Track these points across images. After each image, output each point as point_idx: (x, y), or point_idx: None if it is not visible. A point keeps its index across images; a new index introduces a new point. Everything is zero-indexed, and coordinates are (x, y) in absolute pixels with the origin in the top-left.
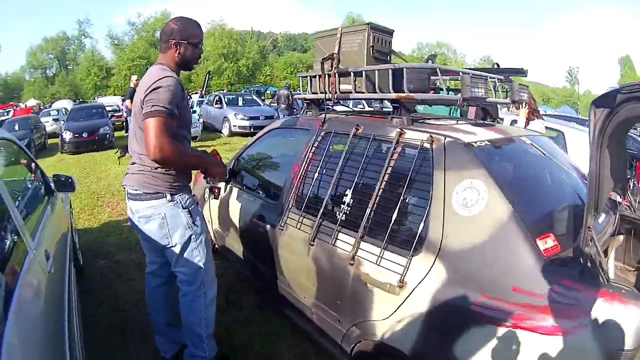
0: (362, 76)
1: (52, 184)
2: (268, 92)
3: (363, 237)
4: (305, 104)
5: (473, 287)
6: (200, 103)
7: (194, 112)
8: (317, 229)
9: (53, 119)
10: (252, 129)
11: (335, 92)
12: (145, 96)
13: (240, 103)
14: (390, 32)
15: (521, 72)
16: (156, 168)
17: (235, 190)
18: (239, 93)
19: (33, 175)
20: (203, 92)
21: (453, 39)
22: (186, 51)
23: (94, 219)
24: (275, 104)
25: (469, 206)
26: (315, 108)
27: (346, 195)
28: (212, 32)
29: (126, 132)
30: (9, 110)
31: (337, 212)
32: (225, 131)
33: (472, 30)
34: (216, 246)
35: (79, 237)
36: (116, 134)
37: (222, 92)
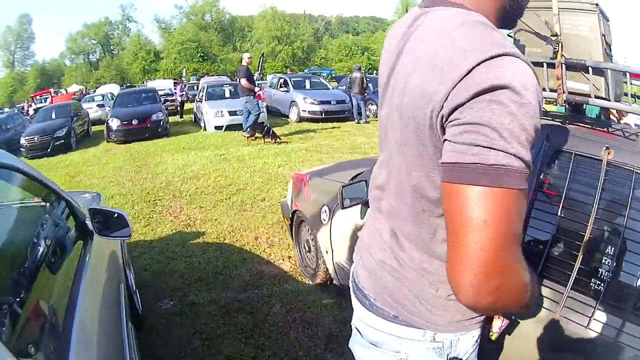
0: (603, 75)
1: (89, 223)
2: (323, 74)
3: None
4: None
5: None
6: (260, 86)
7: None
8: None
9: (97, 105)
10: (323, 115)
11: (563, 92)
12: (447, 104)
13: (308, 86)
14: (608, 19)
15: None
16: (449, 296)
17: None
18: (305, 75)
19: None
20: (259, 74)
21: None
22: None
23: (152, 232)
24: (343, 88)
25: None
26: None
27: (610, 254)
28: (263, 15)
29: (181, 117)
30: (47, 97)
31: (595, 281)
32: (293, 116)
33: None
34: (339, 285)
35: (132, 263)
36: (171, 119)
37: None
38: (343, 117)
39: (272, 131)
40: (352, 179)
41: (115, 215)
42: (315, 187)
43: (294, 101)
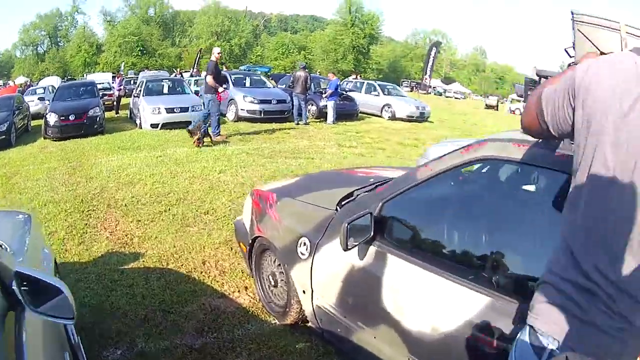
0: None
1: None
2: (258, 72)
3: None
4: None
5: None
6: (197, 82)
7: (197, 92)
8: None
9: (38, 98)
10: (262, 115)
11: None
12: None
13: (248, 84)
14: None
15: None
16: None
17: (392, 259)
18: (246, 72)
19: None
20: (194, 70)
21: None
22: None
23: (87, 251)
24: (283, 87)
25: None
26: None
27: None
28: (206, 10)
29: (117, 112)
30: None
31: None
32: (230, 116)
33: (465, 18)
34: (317, 328)
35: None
36: (107, 114)
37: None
38: (283, 117)
39: (207, 133)
40: (340, 204)
41: (54, 288)
42: (287, 211)
43: (232, 99)
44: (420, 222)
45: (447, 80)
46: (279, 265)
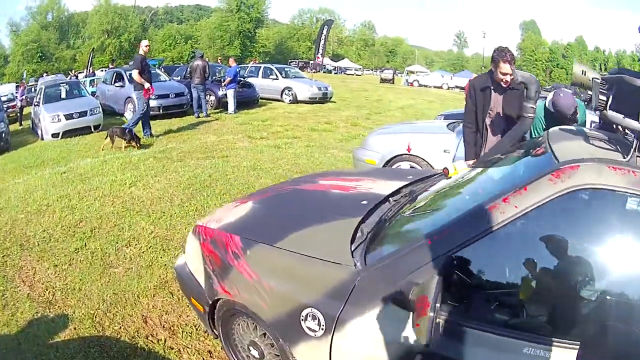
0: None
1: None
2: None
3: None
4: None
5: None
6: (92, 82)
7: (93, 93)
8: None
9: None
10: (160, 110)
11: None
12: None
13: None
14: None
15: None
16: None
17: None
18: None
19: None
20: (88, 71)
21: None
22: None
23: (12, 318)
24: (178, 79)
25: None
26: None
27: None
28: (97, 9)
29: (20, 124)
30: None
31: None
32: (129, 115)
33: None
34: None
35: None
36: (11, 127)
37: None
38: (182, 111)
39: (135, 134)
40: (361, 256)
41: None
42: (269, 266)
43: (129, 97)
44: (518, 280)
45: (336, 58)
46: (266, 336)
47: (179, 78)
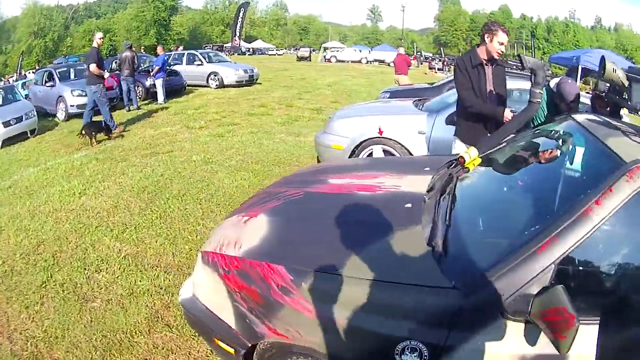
0: None
1: None
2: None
3: None
4: None
5: None
6: (24, 85)
7: (27, 95)
8: None
9: None
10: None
11: None
12: None
13: (73, 76)
14: None
15: None
16: None
17: None
18: (70, 64)
19: None
20: (18, 74)
21: None
22: None
23: None
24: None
25: None
26: None
27: None
28: (26, 12)
29: None
30: None
31: None
32: (60, 115)
33: None
34: None
35: None
36: None
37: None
38: (112, 105)
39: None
40: (461, 280)
41: None
42: (337, 298)
43: (61, 96)
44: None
45: (249, 39)
46: None
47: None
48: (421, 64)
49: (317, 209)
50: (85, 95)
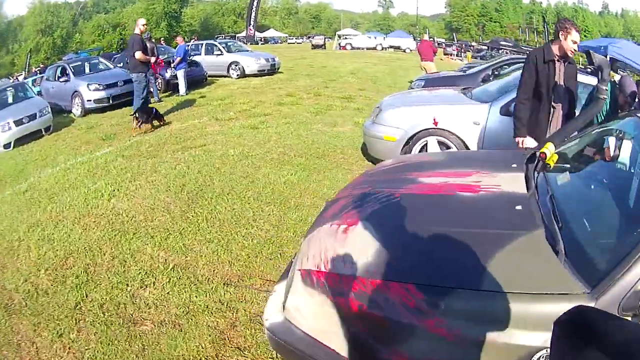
0: None
1: None
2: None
3: None
4: None
5: None
6: (34, 82)
7: (39, 92)
8: None
9: None
10: (110, 101)
11: None
12: None
13: (88, 70)
14: None
15: None
16: None
17: None
18: (82, 58)
19: None
20: (26, 72)
21: None
22: None
23: None
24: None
25: None
26: None
27: None
28: (32, 11)
29: None
30: None
31: None
32: (76, 111)
33: None
34: None
35: None
36: None
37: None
38: (131, 99)
39: (157, 111)
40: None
41: None
42: (476, 316)
43: (76, 91)
44: None
45: (261, 29)
46: None
47: (121, 65)
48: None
49: (424, 214)
50: (103, 89)
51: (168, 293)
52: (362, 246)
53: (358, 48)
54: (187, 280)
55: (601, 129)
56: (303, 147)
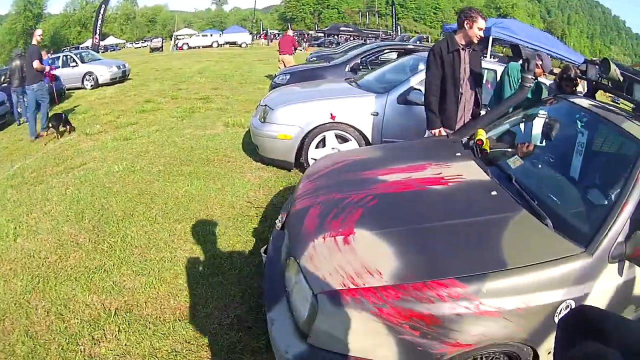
0: None
1: None
2: None
3: None
4: None
5: None
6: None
7: None
8: None
9: None
10: None
11: None
12: None
13: None
14: None
15: None
16: None
17: None
18: None
19: None
20: None
21: None
22: None
23: None
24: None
25: None
26: None
27: None
28: None
29: None
30: None
31: None
32: None
33: None
34: None
35: None
36: None
37: None
38: (2, 123)
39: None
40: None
41: None
42: (510, 290)
43: None
44: None
45: (103, 37)
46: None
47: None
48: (271, 42)
49: (414, 211)
50: None
51: (126, 345)
52: (378, 254)
53: (195, 47)
54: (138, 326)
55: (523, 114)
56: (184, 154)
